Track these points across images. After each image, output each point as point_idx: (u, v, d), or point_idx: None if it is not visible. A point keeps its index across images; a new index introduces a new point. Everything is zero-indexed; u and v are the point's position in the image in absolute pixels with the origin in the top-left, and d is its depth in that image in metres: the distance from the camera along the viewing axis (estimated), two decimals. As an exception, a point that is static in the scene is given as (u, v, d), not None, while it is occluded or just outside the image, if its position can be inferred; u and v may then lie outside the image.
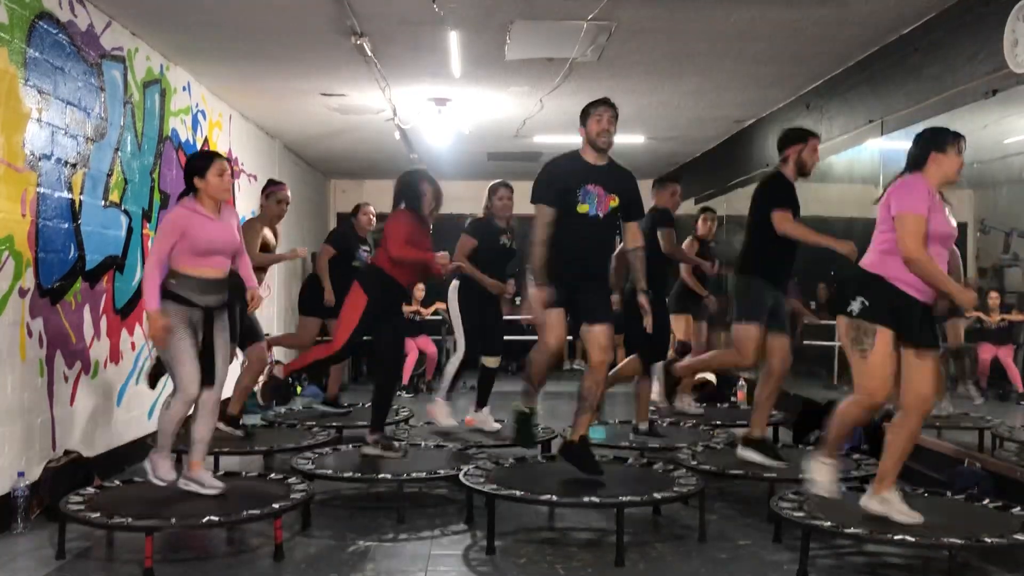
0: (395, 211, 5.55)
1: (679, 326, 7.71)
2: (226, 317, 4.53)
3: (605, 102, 4.77)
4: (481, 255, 6.29)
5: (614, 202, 4.71)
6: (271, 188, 6.62)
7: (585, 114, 4.79)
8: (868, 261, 4.12)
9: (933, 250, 3.98)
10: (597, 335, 4.71)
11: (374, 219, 7.67)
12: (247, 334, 6.34)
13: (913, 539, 3.85)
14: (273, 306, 9.85)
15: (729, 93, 7.93)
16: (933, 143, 4.08)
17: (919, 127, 5.84)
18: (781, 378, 5.35)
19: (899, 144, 6.17)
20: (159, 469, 4.54)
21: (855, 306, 4.04)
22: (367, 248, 7.41)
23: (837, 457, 4.33)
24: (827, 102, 7.40)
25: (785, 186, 5.25)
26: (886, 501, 4.04)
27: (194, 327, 4.41)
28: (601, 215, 4.69)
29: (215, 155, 4.64)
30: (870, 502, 4.08)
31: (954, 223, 4.08)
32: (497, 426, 6.43)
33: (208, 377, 4.45)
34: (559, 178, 4.77)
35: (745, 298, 5.31)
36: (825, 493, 4.20)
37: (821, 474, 4.24)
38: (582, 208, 4.67)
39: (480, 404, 6.54)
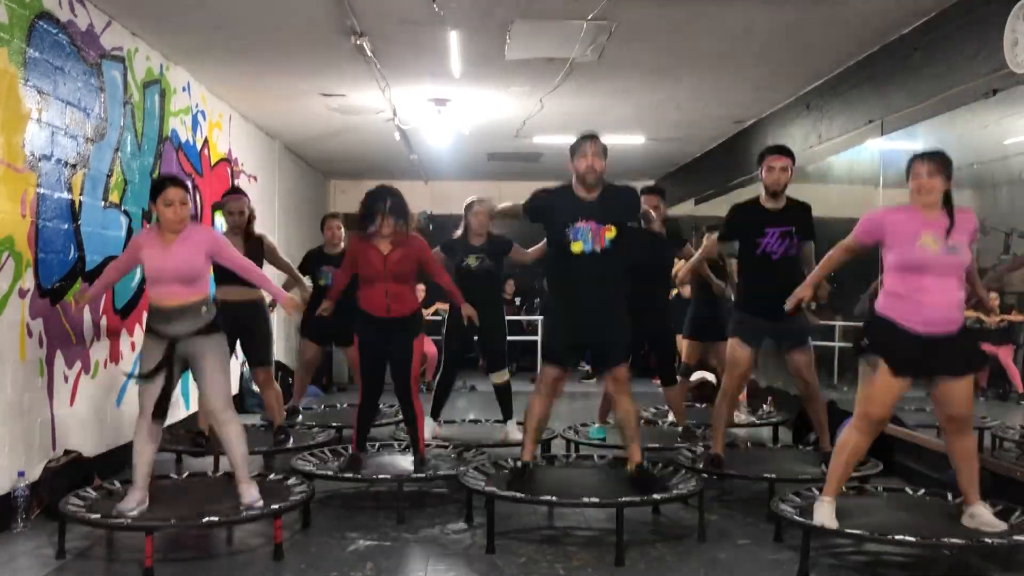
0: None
1: (688, 349, 7.58)
2: (207, 341, 4.38)
3: (590, 137, 4.70)
4: (454, 277, 6.22)
5: (610, 233, 4.60)
6: (222, 199, 6.46)
7: (572, 152, 4.74)
8: (877, 301, 4.19)
9: (917, 282, 3.98)
10: (617, 378, 4.77)
11: (341, 232, 7.37)
12: (255, 357, 6.25)
13: (913, 539, 3.85)
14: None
15: (729, 93, 7.93)
16: (907, 174, 4.14)
17: (919, 127, 5.88)
18: (815, 393, 5.35)
19: (899, 144, 6.18)
20: (125, 499, 4.34)
21: (862, 344, 4.19)
22: (332, 267, 7.09)
23: (835, 498, 4.16)
24: (827, 102, 7.40)
25: (742, 212, 5.36)
26: (972, 516, 4.05)
27: (165, 358, 4.36)
28: (598, 250, 4.59)
29: (168, 183, 4.44)
30: (964, 519, 4.10)
31: (932, 251, 3.96)
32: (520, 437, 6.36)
33: (162, 410, 4.39)
34: (551, 211, 4.74)
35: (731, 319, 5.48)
36: (829, 526, 4.05)
37: (822, 514, 4.08)
38: (576, 247, 4.60)
39: (505, 418, 6.49)
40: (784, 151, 5.25)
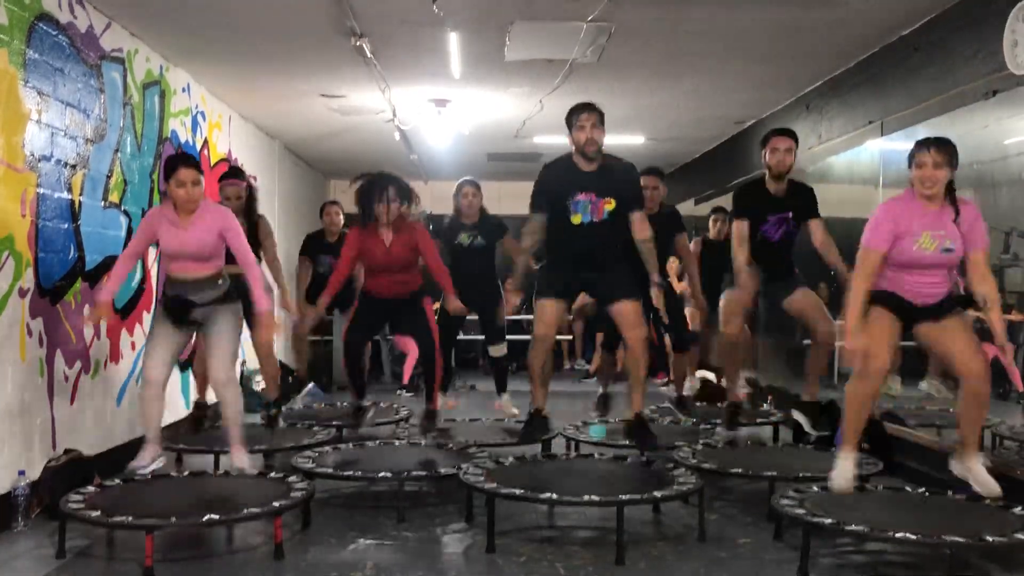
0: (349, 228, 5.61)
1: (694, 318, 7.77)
2: (222, 310, 4.54)
3: (587, 107, 4.68)
4: (444, 257, 6.33)
5: (609, 205, 4.65)
6: (219, 182, 6.42)
7: (569, 123, 4.73)
8: None
9: (911, 278, 4.00)
10: (623, 312, 4.70)
11: (340, 219, 7.43)
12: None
13: (914, 537, 3.85)
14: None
15: (729, 93, 7.93)
16: (909, 161, 4.12)
17: (919, 128, 5.88)
18: (825, 336, 5.36)
19: (899, 145, 6.17)
20: (138, 456, 4.52)
21: None
22: (332, 256, 7.27)
23: (857, 450, 4.32)
24: (827, 102, 7.40)
25: (748, 193, 5.40)
26: (968, 469, 4.17)
27: (176, 323, 4.47)
28: (596, 220, 4.63)
29: (180, 163, 4.54)
30: (955, 466, 4.25)
31: (928, 253, 4.00)
32: (516, 412, 6.52)
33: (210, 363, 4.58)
34: (552, 186, 4.78)
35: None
36: (843, 486, 4.19)
37: (840, 469, 4.23)
38: (575, 219, 4.65)
39: (499, 390, 6.68)
40: (788, 133, 5.33)
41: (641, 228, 4.90)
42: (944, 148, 4.00)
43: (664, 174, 6.66)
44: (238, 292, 4.75)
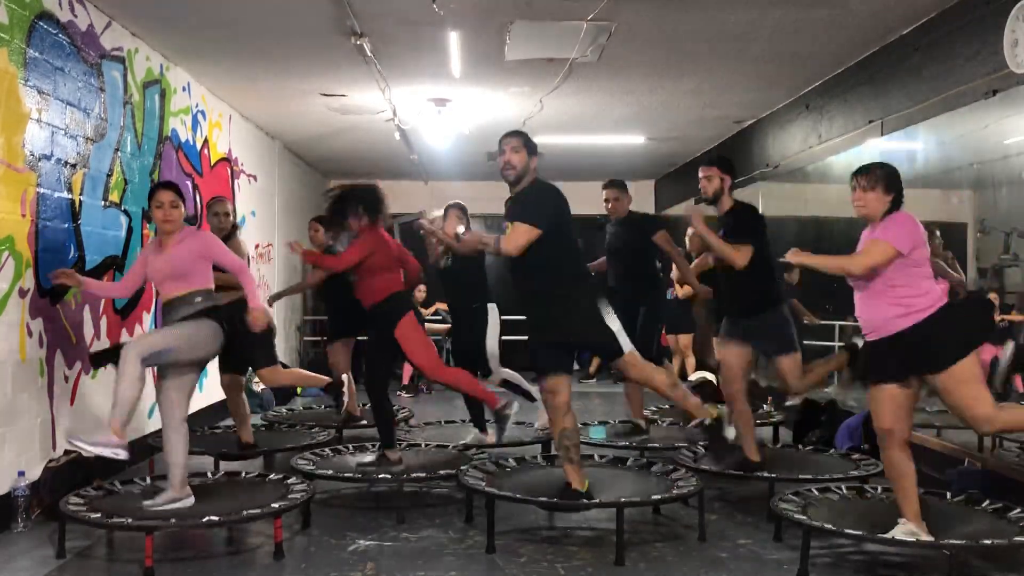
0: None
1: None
2: (186, 321, 4.50)
3: (506, 135, 4.58)
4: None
5: (509, 229, 4.49)
6: (208, 202, 6.38)
7: None
8: None
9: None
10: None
11: (320, 235, 7.26)
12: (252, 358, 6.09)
13: (913, 539, 3.85)
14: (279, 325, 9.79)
15: (729, 93, 7.93)
16: None
17: (919, 127, 5.89)
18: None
19: (899, 145, 6.18)
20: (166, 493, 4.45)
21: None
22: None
23: (918, 521, 3.97)
24: (827, 102, 7.40)
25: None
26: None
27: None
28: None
29: (159, 186, 4.67)
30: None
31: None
32: (482, 440, 6.32)
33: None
34: None
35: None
36: (903, 539, 3.93)
37: (903, 533, 3.95)
38: None
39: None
40: (710, 162, 5.25)
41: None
42: (869, 174, 4.01)
43: (625, 185, 6.46)
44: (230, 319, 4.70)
